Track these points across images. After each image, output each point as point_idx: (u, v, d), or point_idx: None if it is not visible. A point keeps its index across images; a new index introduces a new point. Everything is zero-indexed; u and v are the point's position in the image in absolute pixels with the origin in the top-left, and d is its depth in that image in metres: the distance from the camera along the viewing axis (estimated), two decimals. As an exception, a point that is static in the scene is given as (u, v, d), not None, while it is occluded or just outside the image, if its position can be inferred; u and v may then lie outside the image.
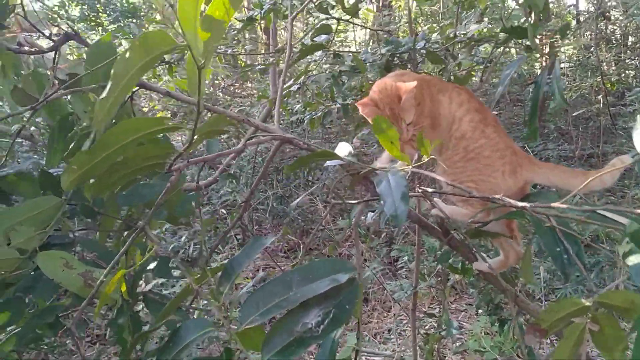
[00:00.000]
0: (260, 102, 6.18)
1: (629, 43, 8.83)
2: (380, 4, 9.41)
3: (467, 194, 1.38)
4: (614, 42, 8.68)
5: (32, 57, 1.45)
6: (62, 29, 1.38)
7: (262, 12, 2.82)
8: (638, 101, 6.42)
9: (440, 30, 2.87)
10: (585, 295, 3.77)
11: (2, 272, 1.22)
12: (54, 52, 1.30)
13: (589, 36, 8.36)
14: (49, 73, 1.29)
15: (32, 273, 1.28)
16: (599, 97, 7.09)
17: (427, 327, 4.42)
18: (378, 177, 1.13)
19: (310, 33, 2.57)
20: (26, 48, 1.34)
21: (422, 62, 2.59)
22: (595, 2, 7.72)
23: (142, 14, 10.96)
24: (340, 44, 9.42)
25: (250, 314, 0.91)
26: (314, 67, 3.03)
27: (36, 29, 1.34)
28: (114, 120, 1.22)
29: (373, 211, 2.19)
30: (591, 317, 1.04)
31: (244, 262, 1.07)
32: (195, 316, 1.92)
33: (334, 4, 2.72)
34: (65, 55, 1.36)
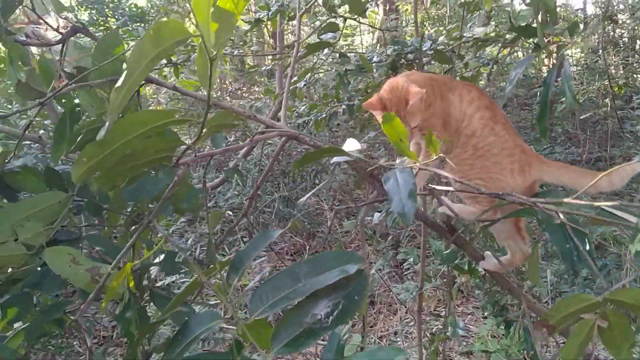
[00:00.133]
0: (268, 99, 6.18)
1: (637, 47, 8.80)
2: (388, 8, 9.42)
3: (476, 191, 1.38)
4: (621, 45, 8.65)
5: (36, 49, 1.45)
6: (70, 22, 1.38)
7: (269, 13, 2.83)
8: (646, 104, 6.40)
9: (447, 33, 2.87)
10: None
11: (10, 268, 1.22)
12: (61, 45, 1.31)
13: (597, 40, 8.33)
14: (56, 65, 1.29)
15: (39, 269, 1.28)
16: (607, 100, 7.06)
17: (433, 330, 4.41)
18: (386, 175, 1.13)
19: (318, 31, 2.58)
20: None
21: (428, 63, 2.59)
22: (602, 5, 7.70)
23: (150, 18, 11.01)
24: (347, 47, 9.44)
25: (260, 306, 0.91)
26: (320, 65, 3.04)
27: (44, 21, 1.35)
28: (121, 115, 1.22)
29: (380, 211, 2.19)
30: (600, 314, 1.04)
31: (252, 254, 1.07)
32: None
33: (339, 2, 2.72)
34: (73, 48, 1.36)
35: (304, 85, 2.82)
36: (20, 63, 1.43)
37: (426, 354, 2.78)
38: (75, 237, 1.40)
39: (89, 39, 1.55)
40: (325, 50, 2.70)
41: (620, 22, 8.61)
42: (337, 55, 2.76)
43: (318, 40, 2.52)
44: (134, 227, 1.46)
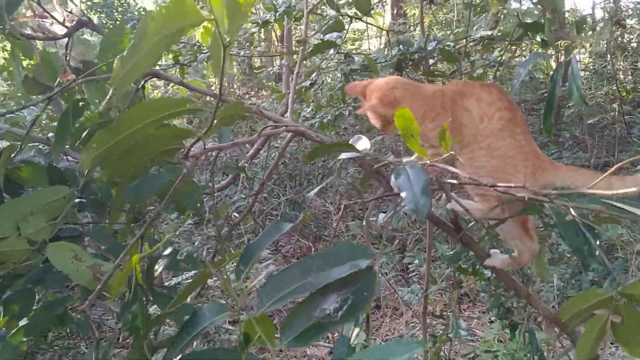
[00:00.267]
0: (276, 102, 6.19)
1: (646, 52, 8.77)
2: (395, 12, 9.43)
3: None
4: (629, 50, 8.62)
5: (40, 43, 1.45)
6: (76, 16, 1.39)
7: (277, 14, 2.84)
8: (654, 110, 6.37)
9: (454, 37, 2.87)
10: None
11: (12, 263, 1.22)
12: (67, 38, 1.31)
13: (605, 44, 8.31)
14: (60, 59, 1.30)
15: (41, 265, 1.28)
16: (614, 105, 7.04)
17: (438, 332, 4.40)
18: (396, 170, 1.12)
19: (323, 29, 2.58)
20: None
21: (434, 64, 2.59)
22: (609, 10, 7.68)
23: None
24: (354, 52, 9.44)
25: (269, 298, 0.91)
26: (326, 66, 3.04)
27: (50, 15, 1.35)
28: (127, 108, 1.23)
29: (384, 212, 2.18)
30: (614, 309, 1.03)
31: (263, 245, 1.07)
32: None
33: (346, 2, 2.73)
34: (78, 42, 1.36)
35: (310, 84, 2.81)
36: (22, 57, 1.43)
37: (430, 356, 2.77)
38: (77, 234, 1.40)
39: (90, 36, 1.55)
40: (331, 51, 2.70)
41: (628, 27, 8.59)
42: (343, 56, 2.77)
43: (323, 39, 2.52)
44: (135, 224, 1.46)
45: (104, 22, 11.03)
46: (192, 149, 1.08)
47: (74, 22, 1.35)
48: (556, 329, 1.09)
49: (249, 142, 1.30)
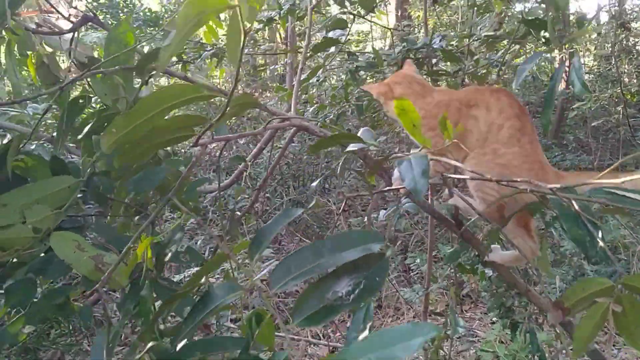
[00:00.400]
0: (279, 103, 6.21)
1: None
2: (400, 14, 9.44)
3: (489, 181, 1.38)
4: (634, 53, 8.61)
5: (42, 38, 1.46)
6: (81, 11, 1.40)
7: (281, 12, 2.85)
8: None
9: (458, 39, 2.88)
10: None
11: (16, 250, 1.23)
12: (72, 33, 1.33)
13: (609, 47, 8.30)
14: (67, 54, 1.31)
15: (43, 255, 1.30)
16: (619, 108, 7.03)
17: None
18: (399, 160, 1.14)
19: (326, 25, 2.59)
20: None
21: (437, 63, 2.59)
22: (614, 13, 7.68)
23: (163, 22, 11.10)
24: (358, 52, 9.46)
25: (282, 278, 0.92)
26: (330, 62, 3.05)
27: (55, 9, 1.36)
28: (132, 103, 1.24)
29: (385, 209, 2.19)
30: (615, 298, 1.05)
31: (273, 230, 1.09)
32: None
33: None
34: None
35: (315, 81, 2.82)
36: (18, 56, 1.44)
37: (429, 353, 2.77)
38: (79, 225, 1.41)
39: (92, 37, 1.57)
40: (333, 49, 2.71)
41: (633, 30, 8.58)
42: (346, 55, 2.78)
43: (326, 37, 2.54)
44: (137, 217, 1.47)
45: (110, 22, 11.07)
46: (201, 138, 1.10)
47: (79, 18, 1.36)
48: (559, 313, 1.10)
49: (255, 135, 1.31)
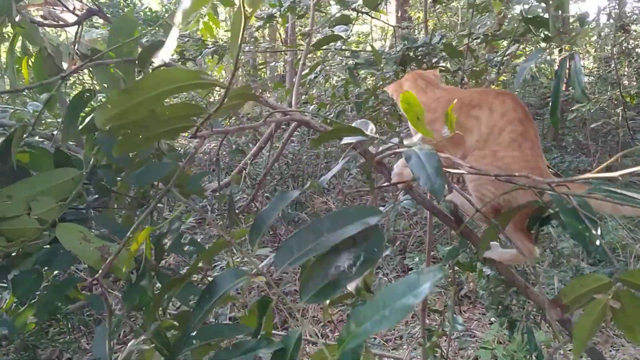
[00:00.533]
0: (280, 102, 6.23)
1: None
2: (400, 15, 9.46)
3: (487, 180, 1.38)
4: (634, 56, 8.63)
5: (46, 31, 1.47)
6: (86, 4, 1.41)
7: (282, 9, 2.86)
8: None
9: (457, 39, 2.89)
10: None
11: (22, 241, 1.24)
12: (76, 26, 1.34)
13: (609, 50, 8.33)
14: (71, 47, 1.32)
15: (49, 246, 1.31)
16: (618, 110, 7.05)
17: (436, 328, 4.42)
18: (406, 153, 1.13)
19: (330, 21, 2.60)
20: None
21: (436, 63, 2.60)
22: (614, 15, 7.70)
23: (164, 22, 11.08)
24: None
25: (286, 260, 0.94)
26: (330, 58, 3.07)
27: (60, 2, 1.37)
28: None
29: (383, 206, 2.20)
30: (613, 294, 1.04)
31: (272, 214, 1.10)
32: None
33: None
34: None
35: (315, 77, 2.83)
36: (18, 53, 1.46)
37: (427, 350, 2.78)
38: (83, 217, 1.42)
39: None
40: (337, 43, 2.72)
41: (634, 33, 8.60)
42: (347, 53, 2.79)
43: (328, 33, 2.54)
44: (140, 209, 1.48)
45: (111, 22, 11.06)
46: (200, 131, 1.10)
47: (84, 11, 1.37)
48: (557, 310, 1.10)
49: (255, 128, 1.31)
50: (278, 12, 2.89)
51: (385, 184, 1.58)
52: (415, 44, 2.35)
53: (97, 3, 1.40)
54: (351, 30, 2.66)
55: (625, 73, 8.85)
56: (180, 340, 1.02)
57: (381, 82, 2.80)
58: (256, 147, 2.21)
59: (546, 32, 1.66)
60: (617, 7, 8.02)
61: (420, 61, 2.45)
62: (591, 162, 6.96)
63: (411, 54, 2.40)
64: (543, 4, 1.86)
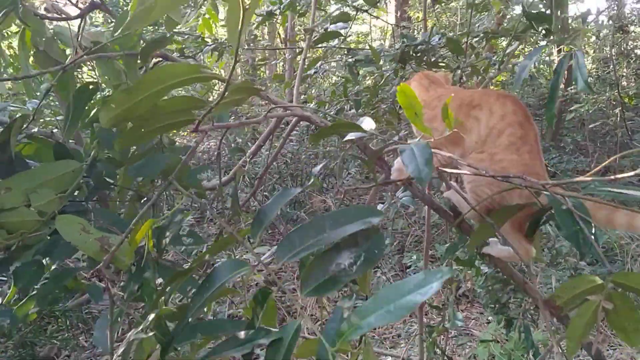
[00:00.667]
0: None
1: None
2: (399, 15, 9.48)
3: (485, 179, 1.38)
4: (632, 57, 8.65)
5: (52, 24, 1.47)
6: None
7: (282, 6, 2.86)
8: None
9: (457, 39, 2.89)
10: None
11: (22, 233, 1.25)
12: (79, 19, 1.34)
13: (608, 51, 8.35)
14: (73, 39, 1.33)
15: (49, 237, 1.31)
16: (616, 110, 7.06)
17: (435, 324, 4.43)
18: (401, 148, 1.15)
19: (330, 18, 2.60)
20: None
21: (436, 62, 2.60)
22: (612, 16, 7.71)
23: (161, 21, 11.07)
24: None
25: (287, 253, 0.96)
26: (330, 54, 3.07)
27: (64, -4, 1.38)
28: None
29: (382, 203, 2.21)
30: (606, 296, 1.04)
31: (274, 209, 1.11)
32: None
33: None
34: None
35: (314, 72, 2.83)
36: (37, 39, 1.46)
37: (426, 350, 2.78)
38: (83, 209, 1.43)
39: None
40: (336, 41, 2.72)
41: (633, 34, 8.62)
42: (346, 51, 2.79)
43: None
44: (140, 202, 1.48)
45: (110, 21, 11.05)
46: (201, 124, 1.11)
47: (87, 4, 1.38)
48: (550, 312, 1.11)
49: (256, 123, 1.32)
50: (278, 10, 2.89)
51: (385, 181, 1.58)
52: (414, 41, 2.35)
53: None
54: (350, 27, 2.67)
55: (624, 74, 8.87)
56: (178, 328, 1.03)
57: (382, 80, 2.81)
58: (255, 146, 2.21)
59: (547, 27, 1.65)
60: (615, 8, 8.04)
61: (419, 59, 2.45)
62: (589, 162, 6.97)
63: (410, 52, 2.40)
64: (544, 1, 1.87)
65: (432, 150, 1.42)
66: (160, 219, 1.21)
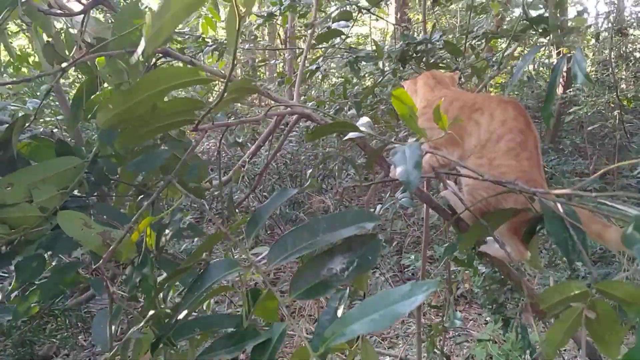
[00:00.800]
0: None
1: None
2: (399, 17, 9.50)
3: (482, 183, 1.38)
4: (631, 59, 8.67)
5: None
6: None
7: (282, 8, 2.87)
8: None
9: (456, 41, 2.90)
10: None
11: (24, 228, 1.26)
12: (83, 15, 1.35)
13: (607, 54, 8.37)
14: (77, 34, 1.34)
15: (51, 232, 1.32)
16: (615, 113, 7.07)
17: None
18: (394, 149, 1.15)
19: (332, 16, 2.61)
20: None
21: (435, 61, 2.62)
22: (612, 19, 7.74)
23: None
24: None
25: (280, 255, 0.96)
26: (330, 52, 3.07)
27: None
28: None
29: (382, 203, 2.22)
30: (589, 304, 1.04)
31: (269, 210, 1.13)
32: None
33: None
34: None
35: (316, 68, 2.83)
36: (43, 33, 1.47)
37: (424, 349, 2.79)
38: (84, 204, 1.44)
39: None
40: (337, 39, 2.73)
41: (632, 37, 8.64)
42: (347, 49, 2.80)
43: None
44: (141, 197, 1.49)
45: (109, 21, 11.06)
46: (201, 122, 1.12)
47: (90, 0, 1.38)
48: (533, 316, 1.11)
49: (257, 121, 1.33)
50: (278, 11, 2.90)
51: (384, 179, 1.59)
52: (415, 40, 2.36)
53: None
54: (351, 28, 2.68)
55: (623, 77, 8.88)
56: (168, 325, 1.04)
57: (380, 80, 2.82)
58: (255, 146, 2.21)
59: (545, 27, 1.66)
60: (614, 11, 8.06)
61: (419, 59, 2.46)
62: (588, 164, 6.99)
63: (411, 52, 2.41)
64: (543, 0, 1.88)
65: (431, 150, 1.44)
66: (159, 217, 1.22)
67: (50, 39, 1.43)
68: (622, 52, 8.74)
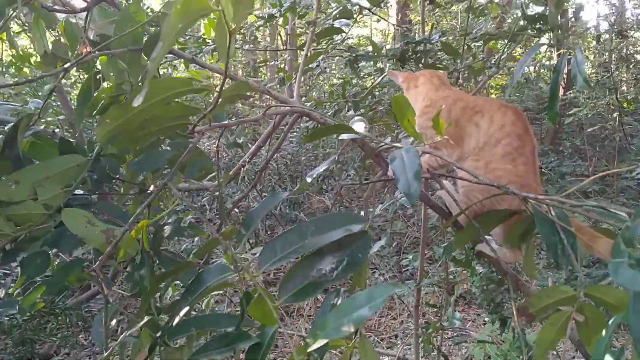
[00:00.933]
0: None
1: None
2: (400, 19, 9.51)
3: (477, 186, 1.40)
4: (632, 62, 8.68)
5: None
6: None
7: (282, 9, 2.88)
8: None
9: (456, 42, 2.92)
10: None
11: (28, 225, 1.28)
12: (86, 12, 1.37)
13: (607, 56, 8.38)
14: (80, 31, 1.35)
15: (55, 229, 1.34)
16: (615, 115, 7.08)
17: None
18: (392, 155, 1.16)
19: (332, 15, 2.62)
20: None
21: (434, 62, 2.63)
22: (612, 22, 7.75)
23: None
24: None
25: (269, 259, 0.98)
26: (331, 50, 3.09)
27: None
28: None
29: (382, 203, 2.24)
30: (577, 308, 1.06)
31: (262, 212, 1.14)
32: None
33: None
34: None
35: (317, 65, 2.84)
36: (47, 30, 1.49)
37: (422, 348, 2.80)
38: (87, 202, 1.45)
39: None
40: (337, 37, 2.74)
41: (632, 39, 8.66)
42: (347, 50, 2.82)
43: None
44: (142, 195, 1.51)
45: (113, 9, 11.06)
46: (198, 126, 1.14)
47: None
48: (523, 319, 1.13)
49: (256, 120, 1.34)
50: (278, 13, 2.92)
51: (382, 179, 1.61)
52: (414, 40, 2.38)
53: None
54: (351, 29, 2.69)
55: (624, 79, 8.90)
56: (165, 327, 1.07)
57: (378, 80, 2.84)
58: (255, 146, 2.22)
59: (541, 25, 1.67)
60: (615, 13, 8.08)
61: (418, 59, 2.48)
62: (588, 166, 7.00)
63: (409, 52, 2.43)
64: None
65: (430, 150, 1.46)
66: (156, 219, 1.24)
67: (57, 36, 1.45)
68: (622, 54, 8.76)
